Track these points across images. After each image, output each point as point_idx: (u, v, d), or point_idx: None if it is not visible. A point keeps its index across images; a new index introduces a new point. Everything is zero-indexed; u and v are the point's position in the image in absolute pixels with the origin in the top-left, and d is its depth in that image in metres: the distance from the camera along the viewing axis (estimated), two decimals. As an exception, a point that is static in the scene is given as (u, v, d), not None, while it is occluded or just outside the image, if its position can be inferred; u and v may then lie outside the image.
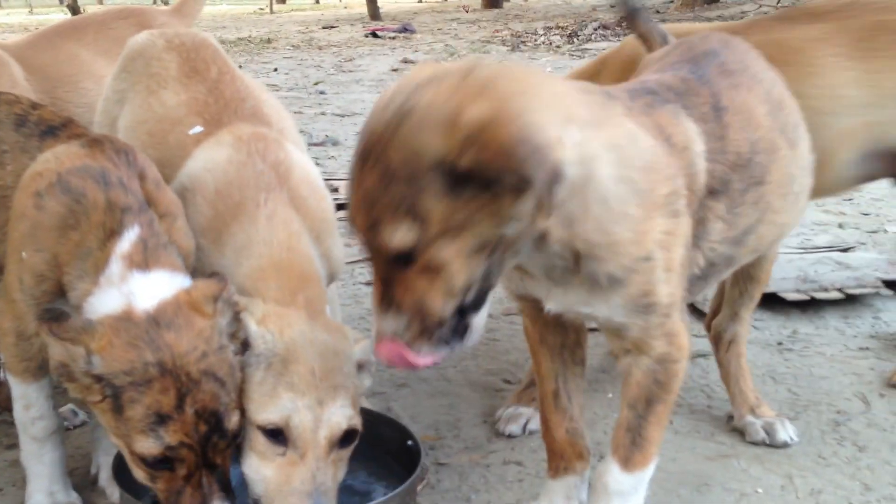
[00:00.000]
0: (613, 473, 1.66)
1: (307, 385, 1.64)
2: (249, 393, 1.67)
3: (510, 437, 2.27)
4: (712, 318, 2.30)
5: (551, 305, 1.61)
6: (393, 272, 1.37)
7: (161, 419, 1.54)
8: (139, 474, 1.62)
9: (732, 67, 1.84)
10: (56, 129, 1.90)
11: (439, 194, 1.28)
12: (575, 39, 12.61)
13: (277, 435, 1.65)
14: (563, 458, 1.84)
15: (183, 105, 2.20)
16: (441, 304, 1.37)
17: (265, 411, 1.64)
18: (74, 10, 19.94)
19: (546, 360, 1.82)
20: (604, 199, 1.42)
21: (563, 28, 14.10)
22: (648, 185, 1.47)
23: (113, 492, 2.00)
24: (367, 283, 3.35)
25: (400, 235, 1.31)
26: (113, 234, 1.70)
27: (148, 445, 1.55)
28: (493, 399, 2.49)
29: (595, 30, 13.34)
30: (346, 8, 29.35)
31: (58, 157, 1.80)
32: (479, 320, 1.45)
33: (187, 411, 1.55)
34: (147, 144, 2.14)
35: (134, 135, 2.22)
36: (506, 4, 22.87)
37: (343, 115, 7.28)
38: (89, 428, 2.12)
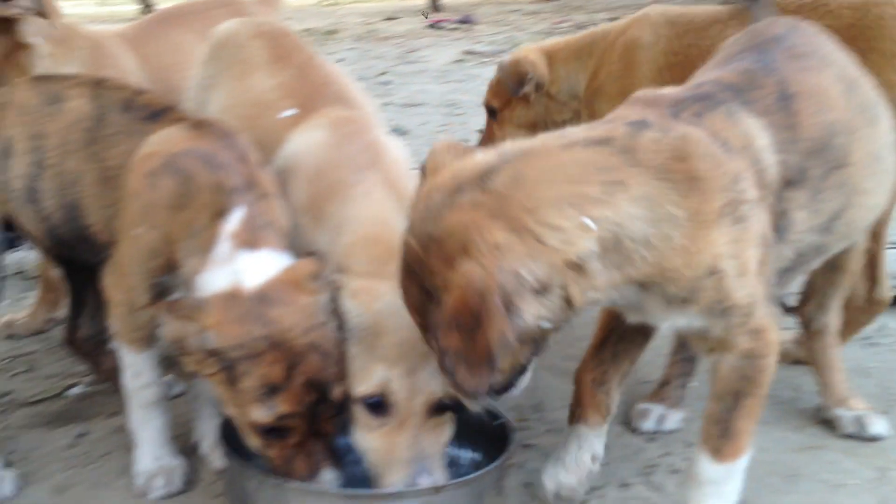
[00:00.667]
0: (703, 463, 1.68)
1: (397, 355, 1.68)
2: (348, 368, 1.73)
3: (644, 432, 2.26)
4: (803, 307, 2.28)
5: (630, 318, 1.69)
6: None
7: (272, 390, 1.62)
8: (252, 442, 1.70)
9: (801, 50, 1.82)
10: (159, 113, 1.98)
11: None
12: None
13: (377, 407, 1.71)
14: (579, 403, 1.93)
15: (273, 89, 2.28)
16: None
17: (361, 384, 1.71)
18: (146, 1, 20.33)
19: (609, 316, 1.90)
20: (645, 244, 1.45)
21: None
22: (692, 209, 1.46)
23: (215, 459, 2.08)
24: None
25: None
26: (221, 213, 1.78)
27: (261, 414, 1.63)
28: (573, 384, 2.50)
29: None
30: (405, -1, 29.43)
31: (167, 139, 1.89)
32: (524, 380, 1.59)
33: (296, 382, 1.63)
34: (239, 128, 2.21)
35: (225, 119, 2.29)
36: (566, -4, 22.64)
37: (409, 106, 7.33)
38: (188, 398, 2.20)
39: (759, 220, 1.54)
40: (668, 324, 1.62)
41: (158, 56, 2.91)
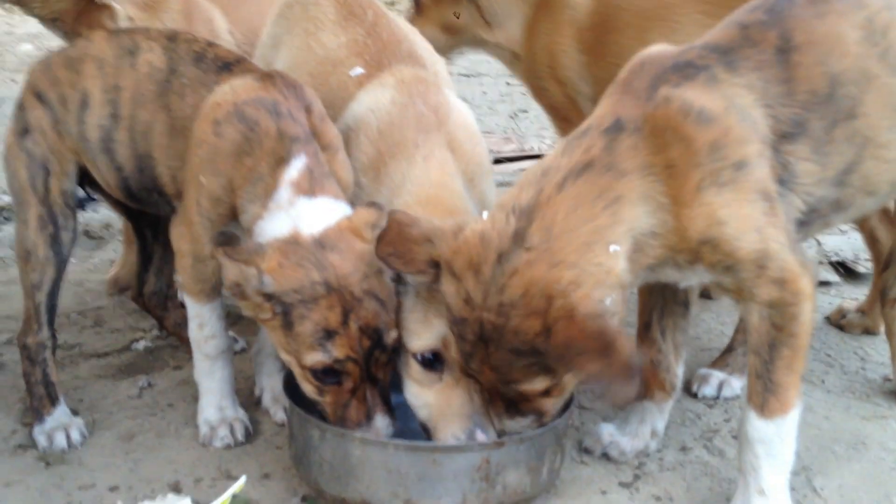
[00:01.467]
0: (752, 421, 1.66)
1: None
2: (403, 322, 1.74)
3: (704, 397, 2.25)
4: (881, 275, 2.22)
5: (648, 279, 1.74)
6: (519, 397, 1.63)
7: (328, 334, 1.64)
8: (308, 388, 1.72)
9: None
10: (231, 64, 2.00)
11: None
12: None
13: (433, 361, 1.71)
14: (644, 383, 1.89)
15: (343, 47, 2.27)
16: (559, 403, 1.69)
17: (419, 339, 1.71)
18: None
19: (644, 295, 1.95)
20: (652, 235, 1.58)
21: None
22: (673, 194, 1.56)
23: (276, 412, 2.12)
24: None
25: (537, 385, 1.58)
26: (282, 161, 1.80)
27: (317, 358, 1.65)
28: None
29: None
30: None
31: (234, 88, 1.90)
32: None
33: (352, 327, 1.65)
34: (308, 85, 2.21)
35: (294, 76, 2.29)
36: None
37: (469, 76, 7.29)
38: (250, 354, 2.24)
39: (752, 177, 1.56)
40: (685, 283, 1.72)
41: (250, 19, 2.91)
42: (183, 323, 2.44)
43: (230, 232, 1.93)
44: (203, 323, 2.03)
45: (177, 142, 1.98)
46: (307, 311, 1.65)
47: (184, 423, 2.11)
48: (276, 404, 2.13)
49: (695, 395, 2.23)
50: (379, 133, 2.00)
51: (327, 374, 1.68)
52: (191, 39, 2.10)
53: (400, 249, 1.63)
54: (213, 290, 2.01)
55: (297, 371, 1.73)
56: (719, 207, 1.55)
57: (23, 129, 2.11)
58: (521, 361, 1.55)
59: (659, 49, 1.71)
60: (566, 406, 1.82)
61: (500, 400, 1.65)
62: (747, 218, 1.56)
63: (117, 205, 2.37)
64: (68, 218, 2.11)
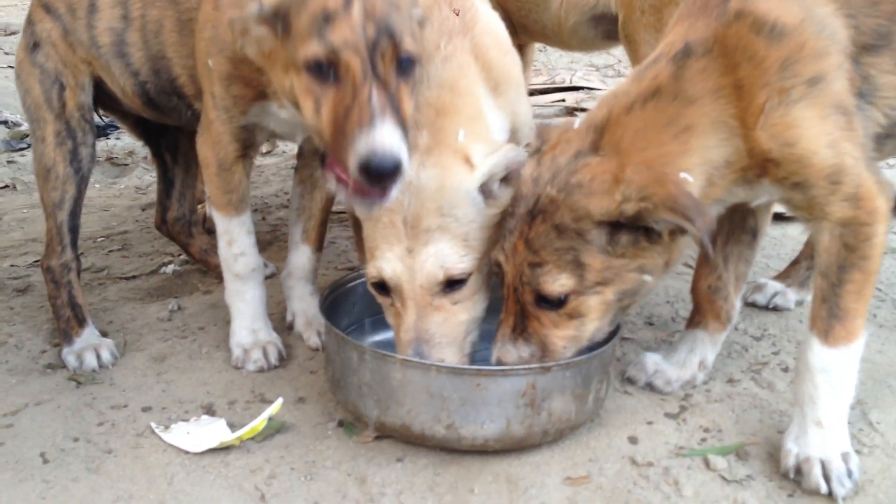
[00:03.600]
0: (814, 348, 1.57)
1: (396, 235, 1.61)
2: (364, 247, 1.69)
3: (754, 305, 2.26)
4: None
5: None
6: (533, 309, 1.58)
7: (327, 18, 1.47)
8: (297, 84, 1.54)
9: None
10: None
11: (600, 249, 1.52)
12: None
13: (383, 287, 1.65)
14: (698, 310, 1.89)
15: None
16: (569, 346, 1.61)
17: (367, 265, 1.66)
18: None
19: None
20: (725, 164, 1.54)
21: None
22: (741, 115, 1.50)
23: (310, 336, 2.06)
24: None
25: (561, 282, 1.54)
26: None
27: (312, 48, 1.48)
28: (675, 281, 2.40)
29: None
30: None
31: None
32: None
33: (354, 9, 1.47)
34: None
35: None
36: None
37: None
38: (280, 278, 2.17)
39: (828, 91, 1.48)
40: (754, 201, 1.66)
41: None
42: (209, 249, 2.40)
43: (253, 123, 1.85)
44: (232, 239, 1.96)
45: (187, 37, 1.91)
46: (305, 4, 1.50)
47: (215, 346, 2.06)
48: (309, 328, 2.07)
49: (747, 302, 2.21)
50: None
51: (324, 72, 1.49)
52: None
53: None
54: (240, 201, 1.94)
55: (291, 84, 1.55)
56: (789, 127, 1.47)
57: (33, 44, 2.02)
58: (559, 242, 1.52)
59: None
60: (612, 334, 1.75)
61: (512, 307, 1.59)
62: (820, 134, 1.47)
63: (135, 126, 2.29)
64: (87, 133, 2.03)
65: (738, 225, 1.85)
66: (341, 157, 1.45)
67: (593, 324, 1.60)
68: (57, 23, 2.00)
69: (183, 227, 2.42)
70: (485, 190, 1.65)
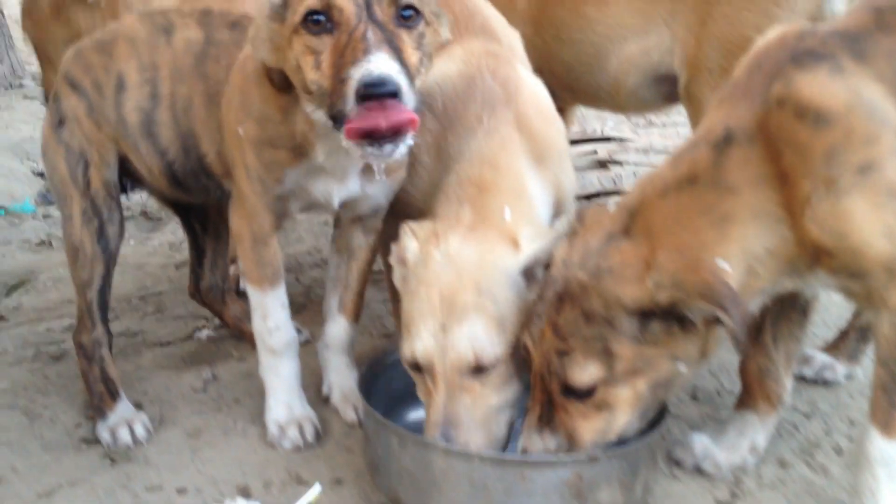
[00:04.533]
0: (873, 440, 1.52)
1: (432, 310, 1.57)
2: (402, 320, 1.66)
3: (802, 378, 2.17)
4: None
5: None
6: (560, 398, 1.53)
7: None
8: (298, 50, 1.54)
9: None
10: None
11: (631, 337, 1.46)
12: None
13: (417, 365, 1.61)
14: (748, 392, 1.84)
15: None
16: (597, 439, 1.55)
17: (404, 341, 1.62)
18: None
19: None
20: (768, 254, 1.48)
21: None
22: (787, 204, 1.45)
23: (347, 410, 2.02)
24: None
25: (589, 372, 1.48)
26: None
27: (307, 2, 1.49)
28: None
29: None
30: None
31: None
32: None
33: None
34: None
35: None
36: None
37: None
38: (317, 347, 2.14)
39: (881, 177, 1.41)
40: (807, 290, 1.64)
41: None
42: (243, 316, 2.38)
43: (286, 193, 1.84)
44: (266, 313, 1.94)
45: (215, 112, 1.91)
46: None
47: (250, 420, 2.03)
48: (346, 403, 2.04)
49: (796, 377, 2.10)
50: (443, 108, 1.89)
51: (320, 24, 1.48)
52: (225, 12, 2.03)
53: None
54: (275, 275, 1.92)
55: (297, 55, 1.54)
56: (839, 218, 1.41)
57: (58, 121, 2.02)
58: (588, 329, 1.47)
59: (778, 36, 1.56)
60: (660, 417, 1.70)
61: (539, 395, 1.54)
62: (875, 224, 1.41)
63: (162, 197, 2.28)
64: (113, 210, 2.02)
65: (787, 302, 1.78)
66: (342, 105, 1.43)
67: (624, 416, 1.54)
68: (82, 100, 2.00)
69: (216, 296, 2.40)
70: (528, 274, 1.61)
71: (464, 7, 2.11)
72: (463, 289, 1.57)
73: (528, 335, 1.56)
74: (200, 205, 2.31)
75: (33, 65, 6.81)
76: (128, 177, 2.10)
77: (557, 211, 1.93)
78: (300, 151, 1.77)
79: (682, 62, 2.31)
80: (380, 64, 1.41)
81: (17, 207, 3.94)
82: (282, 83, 1.68)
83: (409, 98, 1.43)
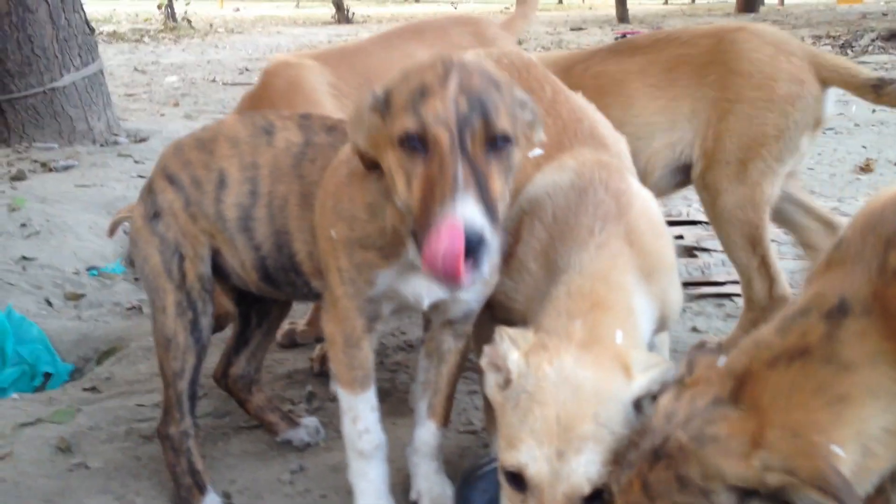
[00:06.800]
0: None
1: (548, 433, 1.51)
2: (501, 429, 1.60)
3: None
4: None
5: None
6: None
7: (422, 92, 1.53)
8: (392, 161, 1.58)
9: None
10: None
11: None
12: (849, 51, 11.57)
13: (518, 480, 1.55)
14: None
15: None
16: None
17: (506, 452, 1.56)
18: (339, 5, 21.24)
19: None
20: (886, 432, 1.39)
21: (834, 38, 13.02)
22: None
23: (436, 519, 1.99)
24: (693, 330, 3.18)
25: None
26: None
27: (404, 122, 1.53)
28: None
29: (872, 41, 12.17)
30: (590, 9, 29.09)
31: None
32: None
33: (450, 84, 1.52)
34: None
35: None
36: (761, 9, 21.62)
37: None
38: (406, 452, 2.11)
39: None
40: None
41: (389, 70, 2.90)
42: (265, 407, 2.39)
43: (379, 296, 1.84)
44: (357, 416, 1.93)
45: (308, 212, 1.95)
46: (407, 81, 1.57)
47: (339, 520, 2.01)
48: (435, 511, 2.00)
49: None
50: (553, 218, 1.88)
51: (414, 146, 1.52)
52: (324, 117, 2.09)
53: None
54: (365, 377, 1.92)
55: (391, 165, 1.58)
56: None
57: (154, 213, 2.07)
58: (680, 496, 1.37)
59: (892, 196, 1.48)
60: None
61: None
62: None
63: (232, 289, 2.30)
64: (206, 303, 2.06)
65: None
66: (425, 234, 1.45)
67: None
68: (180, 194, 2.06)
69: (244, 385, 2.41)
70: (637, 405, 1.57)
71: (572, 112, 2.11)
72: (582, 416, 1.52)
73: (615, 480, 1.50)
74: (268, 301, 2.34)
75: (129, 121, 7.12)
76: (214, 272, 2.13)
77: (660, 327, 1.89)
78: (391, 251, 1.79)
79: (700, 153, 2.56)
80: (466, 211, 1.44)
81: (109, 269, 4.05)
82: (372, 165, 1.72)
83: (489, 247, 1.45)
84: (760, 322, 2.58)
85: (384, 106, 1.60)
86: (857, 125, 6.75)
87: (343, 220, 1.81)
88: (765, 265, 2.58)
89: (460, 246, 1.42)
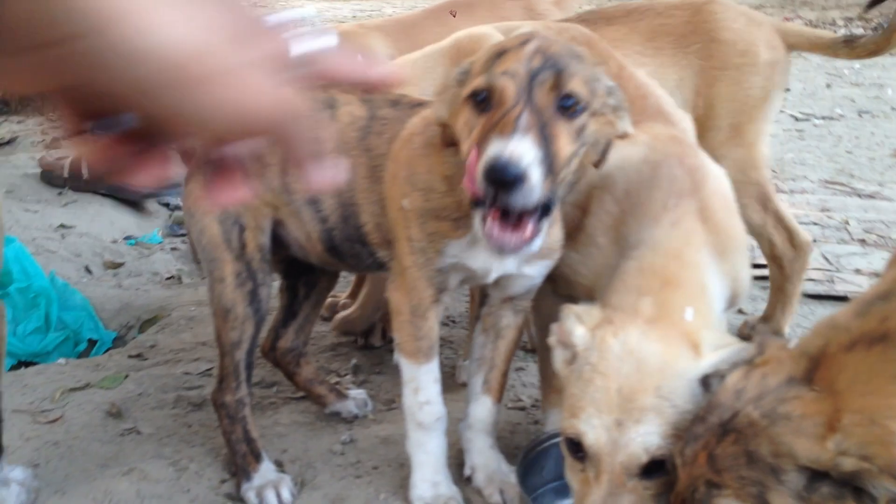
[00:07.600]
0: None
1: (608, 403, 1.51)
2: (565, 401, 1.61)
3: None
4: None
5: None
6: None
7: (499, 54, 1.54)
8: (460, 122, 1.60)
9: None
10: (425, 104, 1.95)
11: (794, 493, 1.35)
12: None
13: (578, 449, 1.55)
14: None
15: None
16: None
17: (566, 421, 1.57)
18: None
19: None
20: None
21: (867, 20, 12.79)
22: None
23: (492, 493, 1.97)
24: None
25: None
26: None
27: (476, 81, 1.54)
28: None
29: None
30: None
31: (425, 117, 1.88)
32: None
33: (528, 45, 1.53)
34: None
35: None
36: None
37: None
38: (461, 427, 2.10)
39: None
40: None
41: (427, 42, 2.88)
42: (314, 379, 2.38)
43: (448, 266, 1.83)
44: (418, 387, 1.92)
45: (375, 184, 1.93)
46: (489, 50, 1.58)
47: (392, 492, 2.00)
48: (490, 485, 1.99)
49: None
50: (625, 192, 1.86)
51: (481, 102, 1.53)
52: (385, 92, 2.04)
53: None
54: (430, 348, 1.91)
55: (459, 127, 1.60)
56: None
57: None
58: (748, 471, 1.36)
59: None
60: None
61: None
62: None
63: (279, 260, 2.29)
64: (266, 273, 2.05)
65: None
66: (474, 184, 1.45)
67: None
68: None
69: (293, 358, 2.40)
70: (705, 382, 1.55)
71: (637, 88, 2.08)
72: (643, 389, 1.51)
73: (678, 453, 1.49)
74: (316, 272, 2.33)
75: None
76: (273, 242, 2.12)
77: (731, 304, 1.87)
78: (463, 223, 1.77)
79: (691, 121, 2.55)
80: (518, 148, 1.40)
81: (146, 238, 4.06)
82: (449, 141, 1.71)
83: (534, 189, 1.42)
84: (790, 273, 2.63)
85: (465, 75, 1.60)
86: (893, 108, 6.65)
87: (418, 191, 1.80)
88: (779, 219, 2.60)
89: (502, 173, 1.39)
